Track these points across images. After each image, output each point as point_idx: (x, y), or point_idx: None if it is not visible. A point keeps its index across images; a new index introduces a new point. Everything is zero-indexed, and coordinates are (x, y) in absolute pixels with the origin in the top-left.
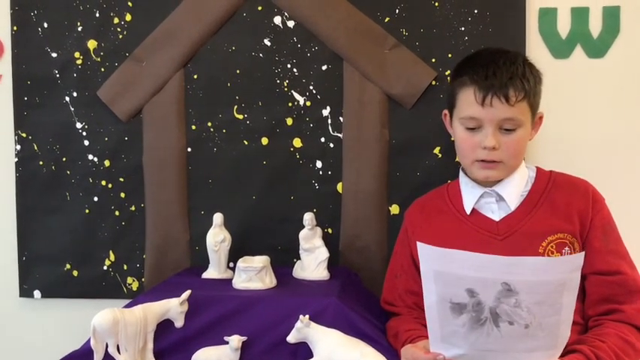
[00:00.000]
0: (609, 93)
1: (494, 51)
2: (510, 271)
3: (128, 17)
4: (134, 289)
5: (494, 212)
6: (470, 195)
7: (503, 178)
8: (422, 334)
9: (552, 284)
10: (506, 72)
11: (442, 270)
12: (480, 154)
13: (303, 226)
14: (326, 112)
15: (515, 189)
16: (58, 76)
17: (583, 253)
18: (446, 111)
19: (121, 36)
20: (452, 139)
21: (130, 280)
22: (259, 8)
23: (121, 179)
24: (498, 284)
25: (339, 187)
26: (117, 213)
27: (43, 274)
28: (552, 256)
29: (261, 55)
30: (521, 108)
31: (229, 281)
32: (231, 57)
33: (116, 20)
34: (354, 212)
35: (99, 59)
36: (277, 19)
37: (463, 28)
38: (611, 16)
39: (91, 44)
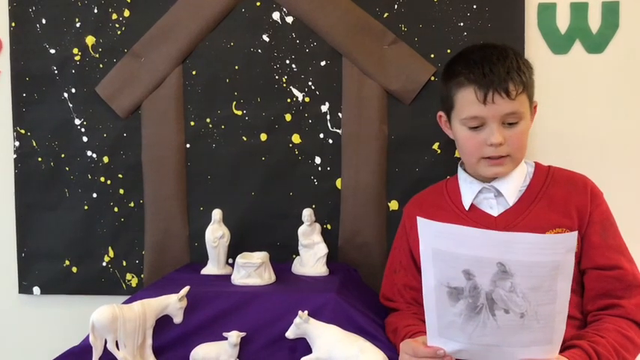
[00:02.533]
0: (608, 88)
1: (483, 47)
2: (505, 249)
3: (126, 13)
4: (133, 285)
5: (493, 208)
6: (468, 191)
7: (509, 173)
8: (421, 330)
9: (546, 267)
10: (502, 67)
11: (440, 248)
12: (486, 151)
13: (302, 222)
14: (325, 108)
15: (513, 184)
16: (56, 72)
17: (576, 232)
18: (441, 112)
19: (119, 32)
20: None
21: (129, 276)
22: (258, 4)
23: (120, 175)
24: (494, 264)
25: (338, 182)
26: (116, 209)
27: (43, 270)
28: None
29: (259, 50)
30: (521, 100)
31: (228, 277)
32: (229, 53)
33: (114, 16)
34: (353, 208)
35: (97, 55)
36: (276, 15)
37: (462, 24)
38: (611, 11)
39: (90, 40)
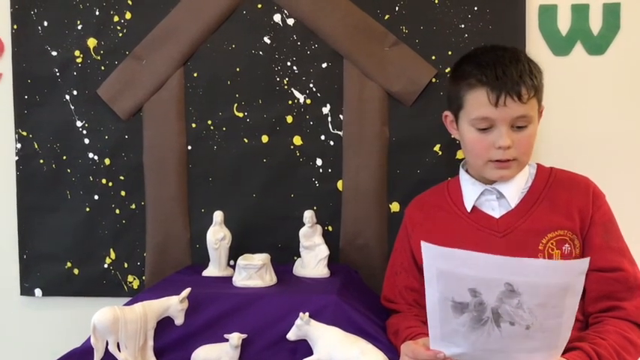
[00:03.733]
0: (609, 90)
1: (494, 48)
2: (514, 272)
3: (128, 15)
4: (135, 287)
5: (495, 209)
6: (471, 192)
7: (514, 176)
8: (422, 332)
9: (556, 287)
10: (515, 70)
11: (445, 269)
12: (494, 154)
13: (304, 224)
14: (326, 109)
15: (515, 186)
16: (58, 74)
17: (588, 259)
18: (447, 112)
19: (120, 34)
20: (452, 136)
21: (130, 278)
22: (259, 6)
23: (122, 177)
24: (501, 284)
25: (339, 184)
26: (117, 211)
27: (44, 272)
28: (556, 259)
29: (261, 52)
30: (532, 104)
31: (229, 279)
32: (231, 55)
33: (116, 18)
34: (355, 210)
35: (99, 58)
36: (277, 17)
37: (463, 26)
38: (612, 12)
39: (91, 43)
